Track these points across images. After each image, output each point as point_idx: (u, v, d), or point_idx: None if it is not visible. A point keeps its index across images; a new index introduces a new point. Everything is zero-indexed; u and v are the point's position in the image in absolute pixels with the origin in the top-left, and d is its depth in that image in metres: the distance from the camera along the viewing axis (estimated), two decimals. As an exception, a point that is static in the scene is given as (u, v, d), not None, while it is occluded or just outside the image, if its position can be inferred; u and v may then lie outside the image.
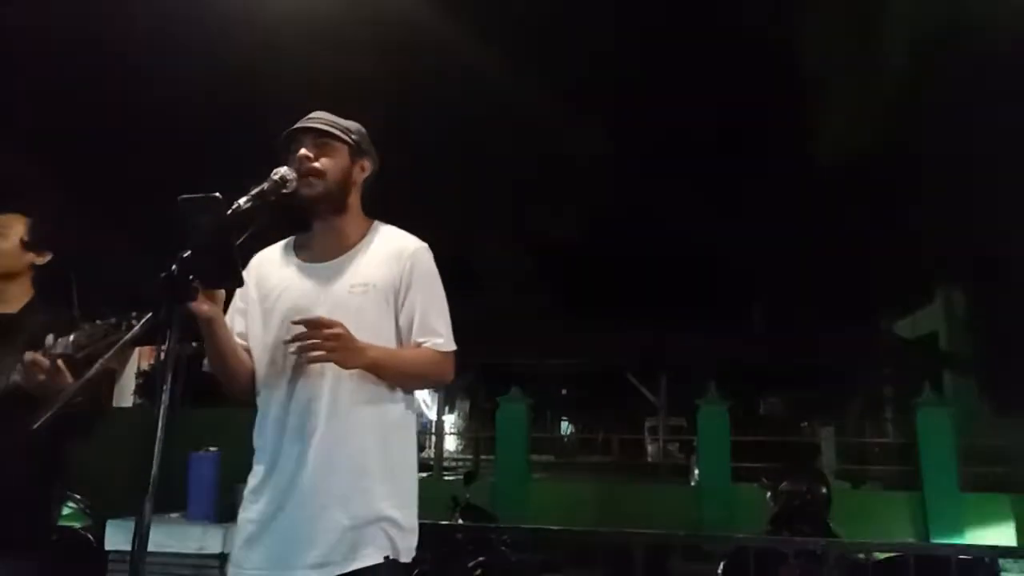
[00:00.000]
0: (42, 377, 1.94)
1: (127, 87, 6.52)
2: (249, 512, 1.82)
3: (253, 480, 1.85)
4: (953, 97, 6.52)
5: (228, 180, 1.68)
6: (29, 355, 1.96)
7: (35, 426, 1.53)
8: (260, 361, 1.89)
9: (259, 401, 1.88)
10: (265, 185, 1.71)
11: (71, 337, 1.93)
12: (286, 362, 1.82)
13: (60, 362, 1.94)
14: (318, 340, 1.69)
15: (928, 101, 6.73)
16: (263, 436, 1.85)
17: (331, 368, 1.77)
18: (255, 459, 1.86)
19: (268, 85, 6.46)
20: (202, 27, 6.08)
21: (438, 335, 1.88)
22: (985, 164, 7.14)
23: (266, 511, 1.78)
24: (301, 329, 1.72)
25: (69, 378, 1.98)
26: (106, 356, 1.71)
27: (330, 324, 1.70)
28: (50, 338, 1.96)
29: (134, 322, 1.83)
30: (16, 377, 2.00)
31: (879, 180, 8.38)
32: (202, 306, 1.69)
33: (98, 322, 1.93)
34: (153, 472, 1.40)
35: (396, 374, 1.83)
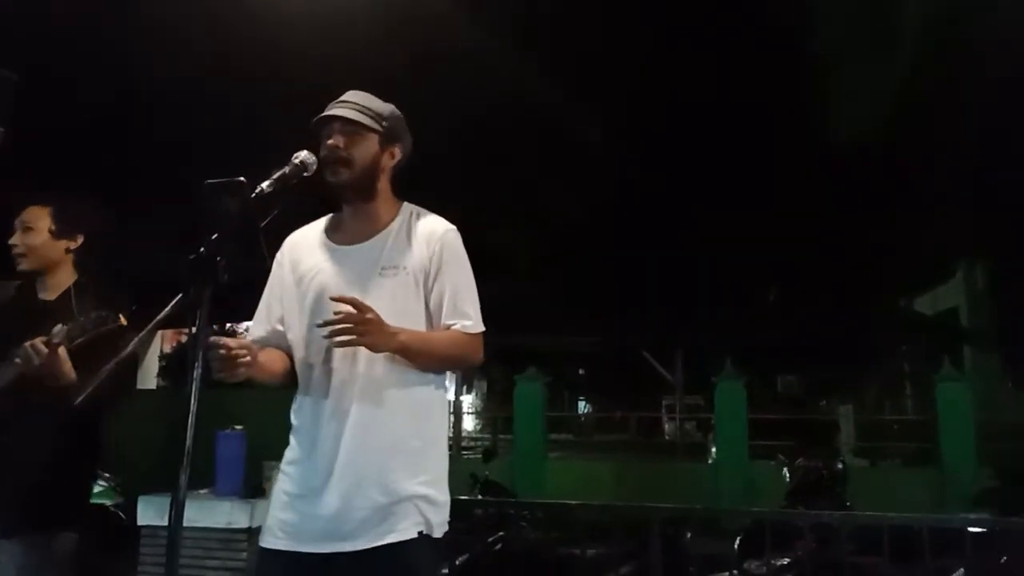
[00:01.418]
0: (38, 362, 2.05)
1: (130, 72, 6.53)
2: (285, 485, 1.88)
3: (290, 454, 1.90)
4: (971, 71, 6.43)
5: (246, 165, 1.72)
6: (28, 342, 2.06)
7: (76, 402, 1.60)
8: (297, 344, 1.94)
9: (299, 381, 1.93)
10: (287, 169, 1.74)
11: (66, 328, 2.05)
12: (321, 345, 1.86)
13: (61, 349, 2.05)
14: (350, 324, 1.72)
15: (945, 76, 6.64)
16: (300, 415, 1.91)
17: (364, 351, 1.81)
18: (292, 435, 1.92)
19: (280, 70, 6.49)
20: (214, 14, 6.10)
21: (467, 317, 1.90)
22: (1006, 137, 7.04)
23: (303, 486, 1.84)
24: (333, 311, 1.76)
25: (66, 364, 2.09)
26: (135, 340, 1.80)
27: (363, 309, 1.74)
28: (58, 327, 2.07)
29: (121, 319, 1.95)
30: (17, 361, 2.09)
31: (897, 155, 8.28)
32: (234, 374, 1.72)
33: (92, 315, 2.05)
34: (187, 445, 1.46)
35: (425, 357, 1.86)
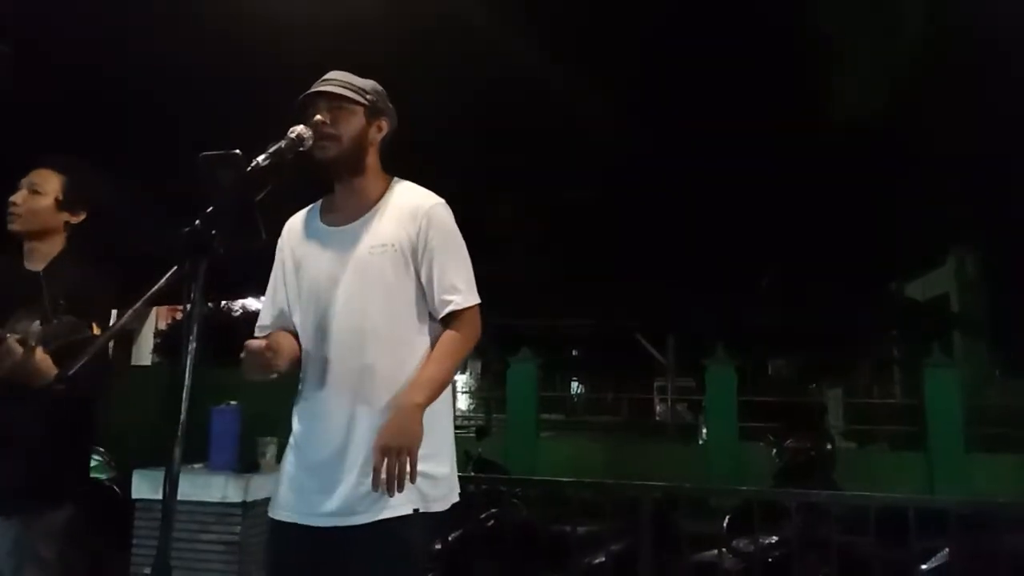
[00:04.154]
0: (10, 364, 1.99)
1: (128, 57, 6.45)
2: (290, 459, 1.95)
3: (295, 430, 1.96)
4: (969, 58, 6.41)
5: (241, 140, 1.70)
6: (5, 342, 1.99)
7: (67, 375, 1.59)
8: (300, 329, 1.98)
9: (302, 363, 1.97)
10: (282, 143, 1.74)
11: (41, 330, 2.00)
12: (323, 331, 1.91)
13: (38, 349, 1.99)
14: (388, 470, 1.71)
15: (942, 62, 6.61)
16: (304, 395, 1.95)
17: (363, 334, 1.86)
18: (296, 413, 1.97)
19: (280, 45, 6.42)
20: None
21: (458, 291, 1.91)
22: (998, 124, 7.04)
23: (306, 462, 1.90)
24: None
25: (45, 362, 2.03)
26: (128, 314, 1.78)
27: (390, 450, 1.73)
28: (35, 324, 2.01)
29: (94, 329, 1.96)
30: None
31: (890, 141, 8.27)
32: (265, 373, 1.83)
33: (64, 318, 2.02)
34: (181, 419, 1.46)
35: (445, 382, 1.89)
